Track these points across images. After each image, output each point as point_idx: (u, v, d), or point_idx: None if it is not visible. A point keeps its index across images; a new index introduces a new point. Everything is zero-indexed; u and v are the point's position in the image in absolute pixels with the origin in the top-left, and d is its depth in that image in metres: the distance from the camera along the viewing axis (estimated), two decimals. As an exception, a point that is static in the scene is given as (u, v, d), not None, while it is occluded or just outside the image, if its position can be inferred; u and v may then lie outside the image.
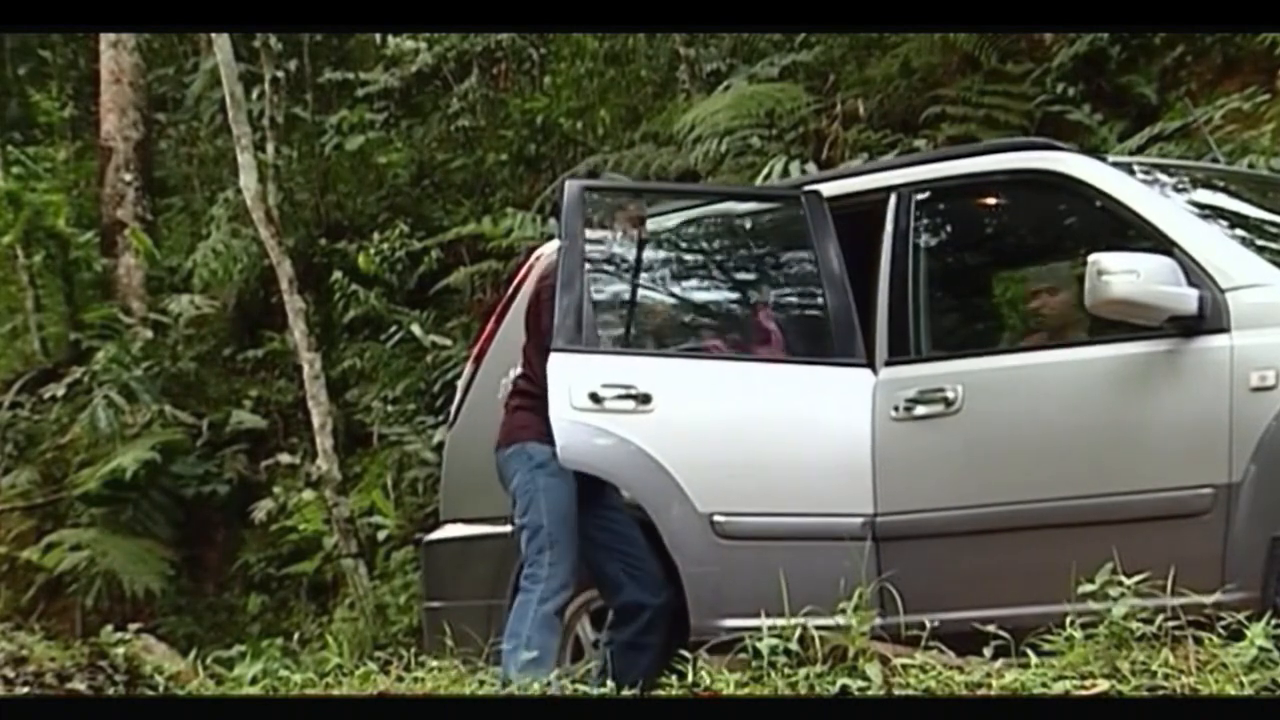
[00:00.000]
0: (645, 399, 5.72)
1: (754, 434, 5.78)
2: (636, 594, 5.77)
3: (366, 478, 11.69)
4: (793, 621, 4.88)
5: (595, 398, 5.68)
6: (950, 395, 5.54)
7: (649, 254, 6.30)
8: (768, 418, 5.81)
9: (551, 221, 10.93)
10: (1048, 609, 4.80)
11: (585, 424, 5.68)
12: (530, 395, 5.84)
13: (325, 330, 12.47)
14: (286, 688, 5.20)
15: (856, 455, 5.67)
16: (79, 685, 8.38)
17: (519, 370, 6.04)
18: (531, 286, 6.24)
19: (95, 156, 15.14)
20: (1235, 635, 4.46)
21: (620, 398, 5.70)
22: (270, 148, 12.99)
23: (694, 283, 6.56)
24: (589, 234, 5.95)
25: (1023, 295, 6.40)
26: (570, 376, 5.68)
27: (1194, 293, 5.14)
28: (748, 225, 6.55)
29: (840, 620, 4.86)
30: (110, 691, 8.23)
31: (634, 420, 5.70)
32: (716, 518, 5.65)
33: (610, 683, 5.30)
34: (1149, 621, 4.52)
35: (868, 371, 5.78)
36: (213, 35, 11.95)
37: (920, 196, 5.92)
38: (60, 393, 13.27)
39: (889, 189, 5.96)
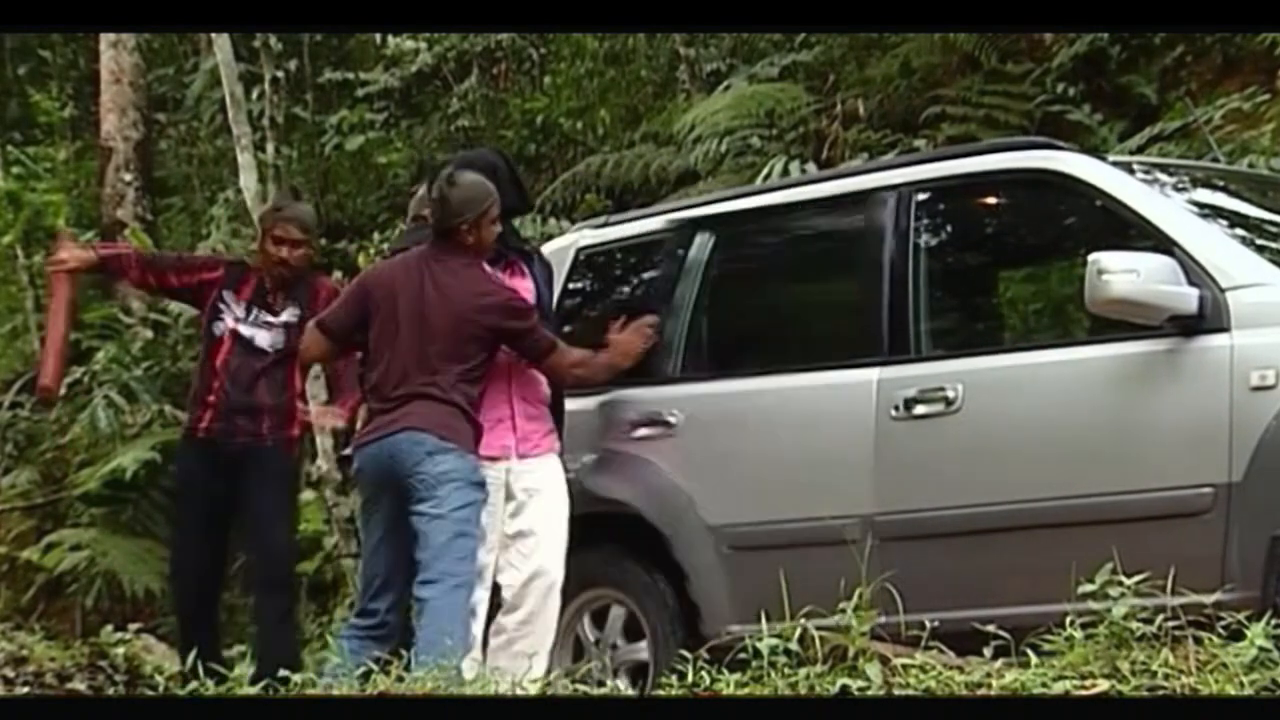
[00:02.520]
0: (669, 424, 6.03)
1: (768, 444, 5.93)
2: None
3: (366, 478, 11.67)
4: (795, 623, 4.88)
5: (633, 425, 6.07)
6: (950, 394, 5.54)
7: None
8: (780, 428, 5.92)
9: (552, 221, 10.96)
10: (1048, 609, 4.80)
11: (615, 451, 6.12)
12: (465, 401, 5.88)
13: (325, 330, 12.45)
14: (286, 688, 5.20)
15: (859, 455, 5.69)
16: (79, 685, 8.37)
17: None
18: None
19: (95, 156, 15.13)
20: (1235, 635, 4.46)
21: (648, 424, 6.08)
22: (270, 148, 12.96)
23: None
24: None
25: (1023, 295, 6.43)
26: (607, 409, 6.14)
27: (1194, 292, 5.14)
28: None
29: (840, 620, 4.86)
30: (110, 691, 8.21)
31: (658, 445, 6.07)
32: (726, 528, 5.82)
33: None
34: (1149, 621, 4.51)
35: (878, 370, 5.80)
36: (213, 35, 11.95)
37: (920, 196, 5.93)
38: (60, 393, 13.25)
39: (889, 189, 5.96)
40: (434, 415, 5.83)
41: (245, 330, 6.85)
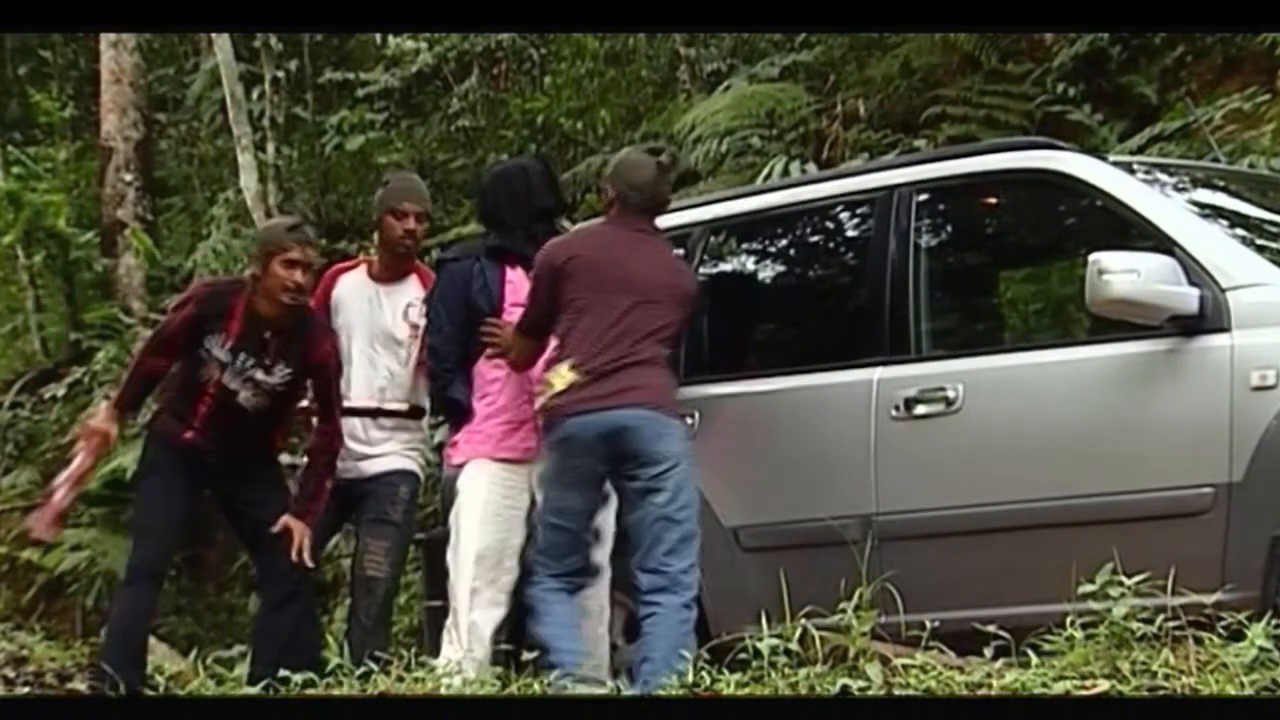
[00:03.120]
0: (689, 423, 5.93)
1: (770, 445, 5.89)
2: None
3: (366, 477, 11.66)
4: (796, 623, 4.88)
5: None
6: (951, 394, 5.54)
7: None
8: (780, 429, 5.89)
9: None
10: (1048, 609, 4.81)
11: None
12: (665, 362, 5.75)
13: (325, 330, 12.45)
14: (286, 688, 5.20)
15: (858, 455, 5.69)
16: (79, 685, 8.38)
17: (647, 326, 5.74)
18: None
19: (95, 156, 15.14)
20: (1235, 635, 4.46)
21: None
22: (270, 148, 12.99)
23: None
24: None
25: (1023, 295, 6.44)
26: None
27: (1194, 292, 5.14)
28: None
29: (841, 620, 4.86)
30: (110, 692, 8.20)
31: None
32: (740, 531, 5.80)
33: None
34: (1149, 621, 4.52)
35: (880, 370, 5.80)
36: (213, 35, 11.98)
37: (921, 196, 5.92)
38: (60, 393, 13.27)
39: (889, 188, 5.96)
40: (658, 386, 5.66)
41: (230, 382, 6.22)
